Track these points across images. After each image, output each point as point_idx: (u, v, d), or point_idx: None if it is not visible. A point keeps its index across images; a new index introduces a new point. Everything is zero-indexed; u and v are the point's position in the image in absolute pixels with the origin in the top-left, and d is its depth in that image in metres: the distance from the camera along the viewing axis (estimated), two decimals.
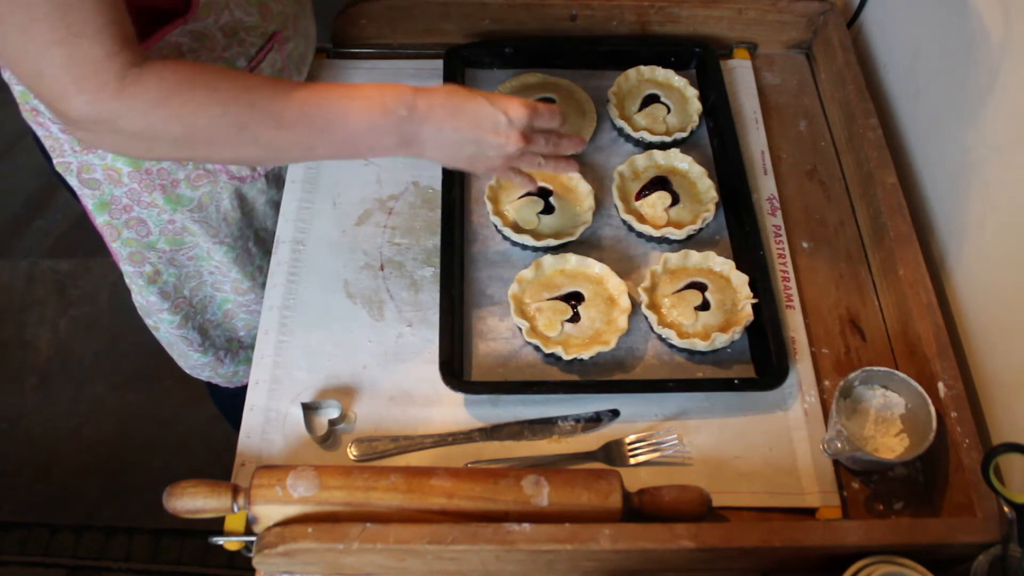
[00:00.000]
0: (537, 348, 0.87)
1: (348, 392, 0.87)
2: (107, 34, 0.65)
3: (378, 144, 0.77)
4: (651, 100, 1.08)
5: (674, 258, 0.94)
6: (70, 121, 0.69)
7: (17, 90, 0.89)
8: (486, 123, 0.77)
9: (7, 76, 0.88)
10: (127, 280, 1.08)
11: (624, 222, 0.98)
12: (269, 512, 0.73)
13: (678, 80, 1.09)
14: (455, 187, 0.98)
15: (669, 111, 1.06)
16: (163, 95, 0.68)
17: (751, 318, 0.89)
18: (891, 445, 0.81)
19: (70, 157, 0.92)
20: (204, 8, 0.80)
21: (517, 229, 0.95)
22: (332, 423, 0.83)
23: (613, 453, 0.83)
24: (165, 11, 0.79)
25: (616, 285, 0.91)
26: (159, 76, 0.68)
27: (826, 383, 0.89)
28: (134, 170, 0.93)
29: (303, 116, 0.73)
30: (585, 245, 0.97)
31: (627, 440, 0.84)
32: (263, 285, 0.95)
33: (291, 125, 0.73)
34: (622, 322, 0.88)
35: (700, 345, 0.87)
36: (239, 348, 1.24)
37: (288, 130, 0.74)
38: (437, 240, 0.96)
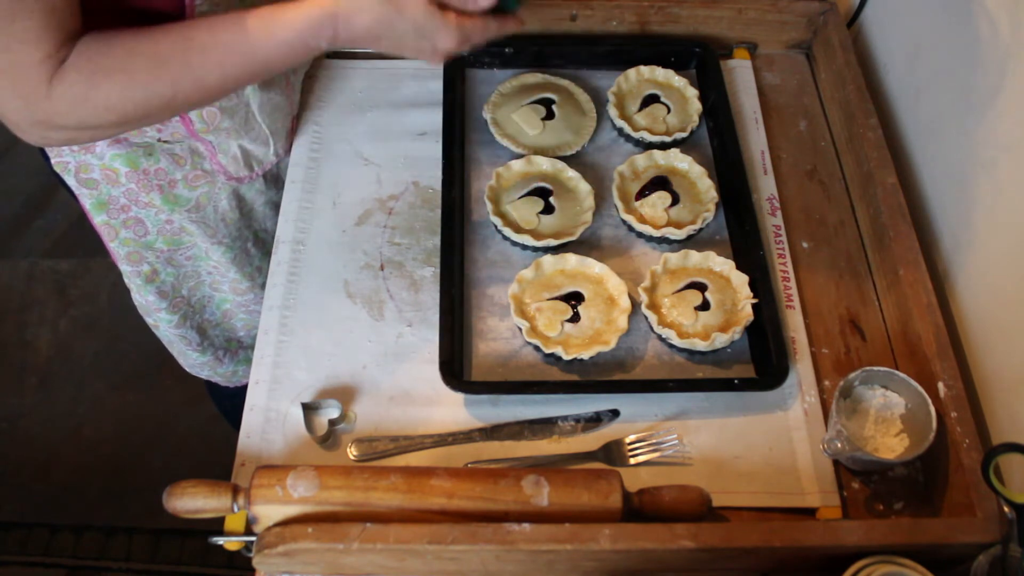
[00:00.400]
0: (537, 348, 0.87)
1: (348, 392, 0.87)
2: (47, 38, 0.65)
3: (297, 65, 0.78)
4: (651, 100, 1.07)
5: (674, 258, 0.94)
6: (11, 125, 0.69)
7: None
8: (409, 47, 0.75)
9: None
10: (125, 279, 1.08)
11: (624, 222, 0.98)
12: (269, 512, 0.73)
13: (678, 80, 1.09)
14: (455, 187, 0.98)
15: (669, 111, 1.06)
16: (84, 89, 0.68)
17: (751, 318, 0.89)
18: (891, 445, 0.81)
19: (68, 157, 0.92)
20: (198, 14, 0.80)
21: (517, 229, 0.95)
22: (332, 423, 0.83)
23: (613, 453, 0.83)
24: (159, 14, 0.79)
25: (616, 285, 0.91)
26: (76, 70, 0.68)
27: (826, 383, 0.89)
28: (132, 170, 0.93)
29: (225, 76, 0.73)
30: (585, 245, 0.97)
31: (627, 440, 0.84)
32: (262, 286, 0.95)
33: (216, 85, 0.74)
34: (622, 322, 0.88)
35: (700, 345, 0.87)
36: (238, 348, 1.24)
37: (214, 88, 0.74)
38: (437, 240, 0.96)
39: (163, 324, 1.13)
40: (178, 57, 0.71)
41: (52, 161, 0.94)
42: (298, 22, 0.72)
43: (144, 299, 1.09)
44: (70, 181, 0.95)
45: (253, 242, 1.11)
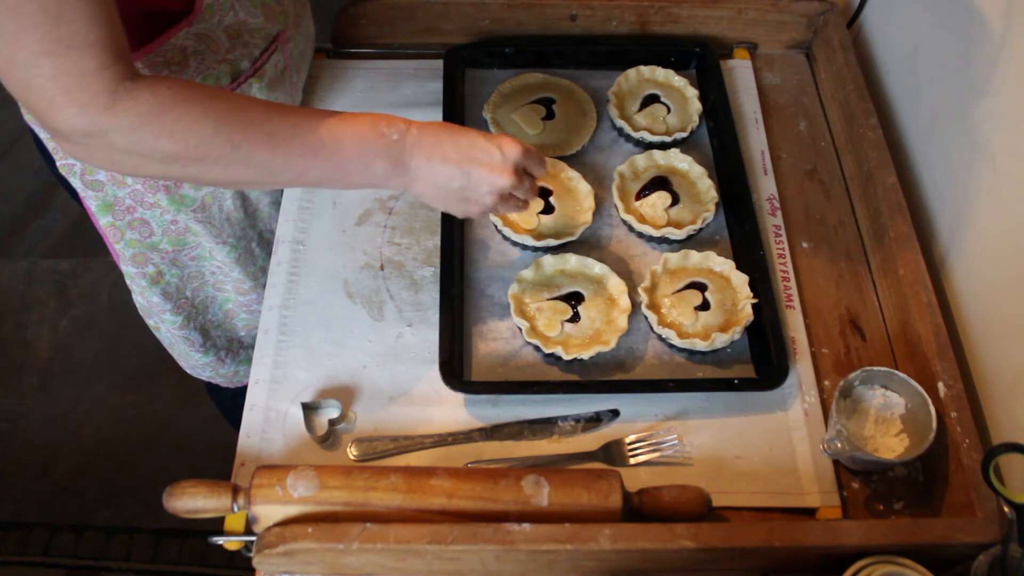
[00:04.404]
0: (537, 348, 0.87)
1: (348, 392, 0.87)
2: (99, 47, 0.64)
3: (369, 169, 0.76)
4: (651, 100, 1.08)
5: (674, 258, 0.94)
6: (59, 134, 0.68)
7: None
8: (478, 154, 0.76)
9: None
10: (128, 281, 1.08)
11: (624, 222, 0.98)
12: (269, 512, 0.73)
13: (678, 80, 1.09)
14: None
15: (669, 111, 1.06)
16: (155, 110, 0.67)
17: (751, 318, 0.89)
18: (891, 445, 0.81)
19: (73, 159, 0.92)
20: (208, 9, 0.80)
21: (517, 229, 0.95)
22: (332, 423, 0.83)
23: (613, 453, 0.83)
24: (168, 13, 0.79)
25: (616, 285, 0.91)
26: (152, 91, 0.67)
27: (826, 383, 0.89)
28: None
29: (295, 138, 0.73)
30: (585, 245, 0.97)
31: (627, 440, 0.84)
32: (265, 286, 0.95)
33: (284, 145, 0.72)
34: (622, 322, 0.88)
35: (700, 345, 0.87)
36: (239, 348, 1.24)
37: (281, 151, 0.72)
38: (437, 240, 0.96)
39: (166, 325, 1.13)
40: (256, 108, 0.72)
41: (57, 164, 0.93)
42: (378, 114, 0.77)
43: (148, 301, 1.09)
44: (75, 183, 0.95)
45: (257, 242, 1.11)
